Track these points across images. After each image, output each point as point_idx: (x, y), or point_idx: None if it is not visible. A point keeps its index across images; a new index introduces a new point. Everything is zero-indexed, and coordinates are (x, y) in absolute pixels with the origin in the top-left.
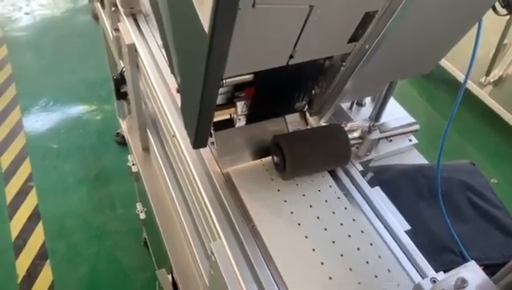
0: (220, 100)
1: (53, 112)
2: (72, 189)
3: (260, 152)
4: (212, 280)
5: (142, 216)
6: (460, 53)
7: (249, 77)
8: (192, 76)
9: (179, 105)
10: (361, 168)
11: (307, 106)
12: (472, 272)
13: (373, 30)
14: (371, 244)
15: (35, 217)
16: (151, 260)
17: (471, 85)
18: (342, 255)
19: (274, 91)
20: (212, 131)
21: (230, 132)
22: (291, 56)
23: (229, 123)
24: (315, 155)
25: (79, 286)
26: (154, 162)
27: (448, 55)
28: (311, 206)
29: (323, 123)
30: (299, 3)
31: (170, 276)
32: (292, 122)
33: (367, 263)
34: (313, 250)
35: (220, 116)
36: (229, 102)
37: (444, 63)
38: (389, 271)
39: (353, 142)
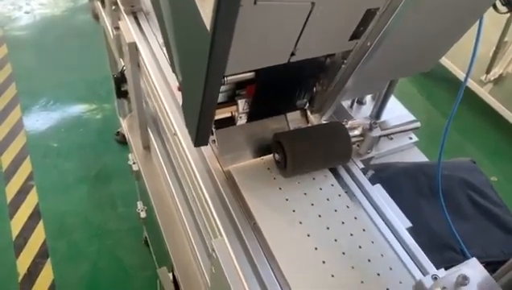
0: (221, 98)
1: (53, 111)
2: (73, 188)
3: (261, 150)
4: (213, 278)
5: (143, 214)
6: (460, 51)
7: (250, 75)
8: (193, 74)
9: (181, 103)
10: (362, 166)
11: (308, 104)
12: (473, 269)
13: (375, 27)
14: (373, 242)
15: (35, 216)
16: (152, 259)
17: (471, 83)
18: (344, 254)
19: (276, 89)
20: (214, 129)
21: (231, 130)
22: (293, 54)
23: (230, 121)
24: (316, 152)
25: (79, 284)
26: (154, 160)
27: (448, 53)
28: (312, 204)
29: (324, 121)
30: (300, 0)
31: (171, 274)
32: (293, 119)
33: (369, 261)
34: (315, 248)
35: (221, 114)
36: (230, 100)
37: (444, 61)
38: (391, 268)
39: (353, 139)
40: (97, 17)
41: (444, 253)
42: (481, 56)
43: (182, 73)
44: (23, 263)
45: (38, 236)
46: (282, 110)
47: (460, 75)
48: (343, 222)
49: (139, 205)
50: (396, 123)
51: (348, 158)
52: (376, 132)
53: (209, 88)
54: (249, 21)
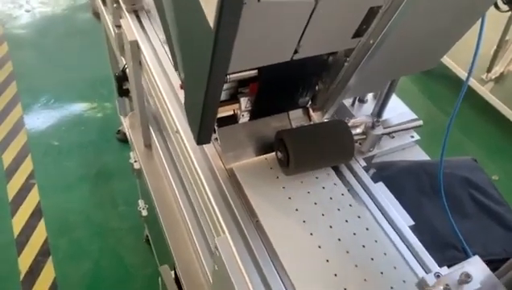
0: (223, 96)
1: (54, 109)
2: (74, 186)
3: (263, 148)
4: (216, 276)
5: (144, 213)
6: (461, 49)
7: (253, 73)
8: (196, 72)
9: (183, 101)
10: (364, 164)
11: (310, 102)
12: (475, 267)
13: (378, 25)
14: (376, 241)
15: (37, 214)
16: (153, 257)
17: (472, 82)
18: (347, 252)
19: (278, 87)
20: (216, 127)
21: (233, 128)
22: (296, 51)
23: (232, 119)
24: (318, 150)
25: (81, 282)
26: (156, 158)
27: (449, 51)
28: (315, 203)
29: (325, 119)
30: None
31: (173, 272)
32: (295, 118)
33: (372, 259)
34: (319, 247)
35: (223, 112)
36: (233, 98)
37: (445, 59)
38: (394, 267)
39: (356, 138)
40: (97, 15)
41: (446, 251)
42: (482, 55)
43: (184, 71)
44: (25, 261)
45: (39, 234)
46: (285, 108)
47: (461, 73)
48: (346, 221)
49: (140, 203)
50: (398, 121)
51: (350, 156)
52: (378, 130)
53: (212, 86)
54: (252, 18)
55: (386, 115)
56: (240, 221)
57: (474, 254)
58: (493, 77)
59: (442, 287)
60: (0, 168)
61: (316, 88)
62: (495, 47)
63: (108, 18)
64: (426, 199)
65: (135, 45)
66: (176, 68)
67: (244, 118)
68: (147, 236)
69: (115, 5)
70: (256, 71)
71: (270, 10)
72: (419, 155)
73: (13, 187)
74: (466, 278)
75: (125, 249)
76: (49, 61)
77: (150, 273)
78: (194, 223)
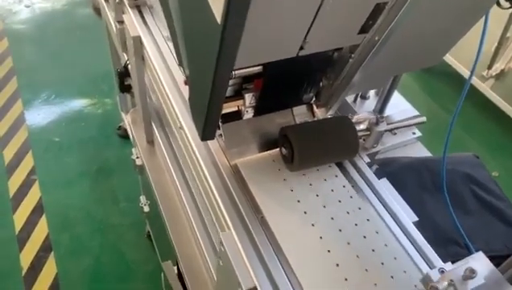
0: (228, 92)
1: (55, 105)
2: (75, 182)
3: (267, 144)
4: (220, 271)
5: (146, 209)
6: (462, 46)
7: (258, 69)
8: (201, 68)
9: (187, 97)
10: (368, 160)
11: (314, 98)
12: (479, 263)
13: (383, 21)
14: (377, 232)
15: (38, 210)
16: (154, 253)
17: (473, 79)
18: (349, 243)
19: (283, 83)
20: (220, 123)
21: (238, 124)
22: (302, 47)
23: (236, 115)
24: (323, 146)
25: (82, 278)
26: (159, 154)
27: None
28: (317, 195)
29: (329, 115)
30: None
31: (175, 268)
32: (299, 114)
33: (373, 251)
34: (320, 238)
35: (227, 108)
36: (237, 94)
37: (446, 56)
38: (395, 258)
39: (359, 134)
40: (97, 11)
41: (448, 247)
42: (482, 52)
43: (189, 67)
44: (27, 256)
45: (41, 230)
46: (289, 104)
47: (462, 70)
48: (347, 212)
49: (142, 199)
50: (400, 118)
51: (355, 152)
52: (382, 126)
53: (218, 81)
54: (259, 14)
55: (388, 112)
56: (244, 217)
57: (476, 250)
58: (494, 74)
59: (446, 283)
60: (1, 164)
61: (320, 84)
62: (496, 44)
63: (109, 14)
64: (428, 195)
65: (138, 41)
66: (180, 64)
67: (248, 114)
68: (149, 232)
69: (117, 0)
70: (261, 67)
71: (277, 6)
72: (421, 152)
73: (14, 183)
74: (471, 273)
75: (127, 245)
76: (49, 57)
77: (151, 269)
78: (197, 219)
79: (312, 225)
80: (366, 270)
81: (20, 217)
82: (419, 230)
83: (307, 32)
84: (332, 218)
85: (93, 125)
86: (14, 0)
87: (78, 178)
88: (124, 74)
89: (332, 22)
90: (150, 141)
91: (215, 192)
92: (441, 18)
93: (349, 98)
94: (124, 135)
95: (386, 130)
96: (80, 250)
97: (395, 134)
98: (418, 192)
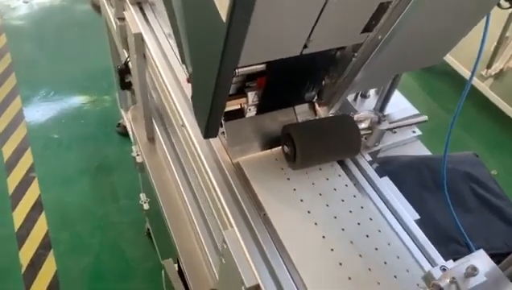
0: (231, 90)
1: (54, 102)
2: (75, 180)
3: (270, 142)
4: (222, 269)
5: (146, 206)
6: (461, 45)
7: (261, 67)
8: (205, 66)
9: (189, 94)
10: (369, 159)
11: (316, 97)
12: (480, 260)
13: (387, 20)
14: (379, 231)
15: (37, 208)
16: (154, 251)
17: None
18: (352, 242)
19: (286, 81)
20: (223, 121)
21: (240, 122)
22: (305, 46)
23: (238, 113)
24: (325, 145)
25: (82, 276)
26: (159, 152)
27: None
28: (320, 194)
29: (331, 114)
30: None
31: (176, 266)
32: (301, 112)
33: (376, 249)
34: (323, 237)
35: (230, 106)
36: (240, 92)
37: (446, 56)
38: (398, 257)
39: (361, 132)
40: (95, 7)
41: (448, 245)
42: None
43: (193, 65)
44: (26, 254)
45: (40, 227)
46: (291, 103)
47: (461, 69)
48: (350, 211)
49: (142, 196)
50: (400, 117)
51: (357, 151)
52: (384, 125)
53: (222, 79)
54: (264, 12)
55: (388, 110)
56: (247, 215)
57: (476, 248)
58: (493, 74)
59: (448, 281)
60: (0, 161)
61: (323, 83)
62: (495, 43)
63: (109, 11)
64: (428, 193)
65: (139, 38)
66: (183, 62)
67: (251, 112)
68: (148, 230)
69: None
70: (264, 65)
71: (282, 4)
72: (421, 150)
73: (13, 180)
74: (473, 271)
75: (126, 242)
76: (48, 53)
77: (151, 266)
78: (198, 216)
79: (315, 224)
80: (369, 269)
81: (19, 215)
82: (419, 228)
83: (311, 31)
84: (335, 217)
85: (93, 122)
86: None
87: (77, 175)
88: (124, 71)
89: (336, 21)
90: (151, 138)
91: (217, 189)
92: (444, 17)
93: (350, 97)
94: (123, 132)
95: (387, 129)
96: (79, 248)
97: (395, 132)
98: (418, 191)
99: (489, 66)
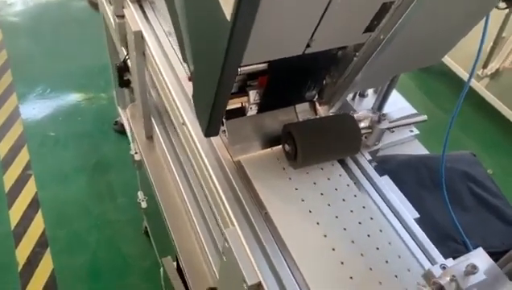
0: (232, 88)
1: (50, 99)
2: (71, 177)
3: (270, 141)
4: (223, 267)
5: (144, 204)
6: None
7: (263, 66)
8: (208, 64)
9: (190, 93)
10: (369, 157)
11: (317, 96)
12: (479, 259)
13: (389, 20)
14: (381, 231)
15: (34, 205)
16: (151, 249)
17: (467, 77)
18: (353, 242)
19: (287, 80)
20: (224, 120)
21: (241, 121)
22: (308, 45)
23: (239, 112)
24: (326, 144)
25: (79, 274)
26: (158, 150)
27: None
28: (321, 194)
29: (331, 113)
30: None
31: (175, 263)
32: (302, 111)
33: (377, 249)
34: (325, 236)
35: (231, 104)
36: (241, 91)
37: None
38: (399, 256)
39: (361, 131)
40: (92, 3)
41: (446, 243)
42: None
43: (194, 63)
44: (23, 252)
45: (37, 225)
46: (292, 102)
47: (458, 69)
48: (351, 211)
49: (140, 195)
50: (399, 116)
51: (357, 150)
52: (384, 124)
53: (225, 78)
54: (268, 12)
55: (386, 109)
56: (249, 213)
57: (474, 247)
58: (489, 73)
59: (449, 279)
60: None
61: (324, 82)
62: (491, 43)
63: (108, 8)
64: (426, 192)
65: (139, 36)
66: (185, 60)
67: (252, 110)
68: (146, 228)
69: None
70: (266, 64)
71: (286, 4)
72: (418, 150)
73: (9, 178)
74: (473, 269)
75: (124, 240)
76: (44, 50)
77: (148, 265)
78: (198, 214)
79: (317, 223)
80: (371, 268)
81: (16, 213)
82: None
83: (315, 30)
84: (337, 217)
85: (90, 119)
86: None
87: (74, 173)
88: (123, 69)
89: (339, 20)
90: (150, 136)
91: (219, 188)
92: (445, 18)
93: (348, 96)
94: (120, 130)
95: (388, 128)
96: (76, 246)
97: (393, 131)
98: (416, 189)
99: (485, 66)
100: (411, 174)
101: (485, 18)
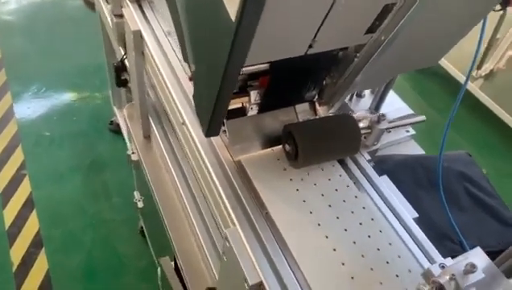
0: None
1: (45, 98)
2: (66, 177)
3: (271, 141)
4: (224, 267)
5: (140, 204)
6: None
7: (264, 66)
8: (210, 65)
9: (190, 93)
10: (368, 157)
11: (317, 96)
12: (477, 258)
13: (390, 22)
14: (381, 231)
15: (29, 205)
16: (147, 248)
17: (462, 78)
18: (354, 243)
19: (288, 80)
20: (224, 120)
21: (242, 121)
22: (310, 46)
23: (240, 112)
24: (327, 144)
25: (74, 274)
26: (156, 150)
27: None
28: (322, 195)
29: (330, 113)
30: None
31: (173, 263)
32: (301, 111)
33: (378, 249)
34: (326, 237)
35: (232, 105)
36: (242, 91)
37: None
38: (399, 257)
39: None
40: (87, 2)
41: (443, 243)
42: (472, 52)
43: (196, 63)
44: (17, 252)
45: (32, 225)
46: (292, 102)
47: (452, 70)
48: (352, 212)
49: (136, 194)
50: (395, 116)
51: (356, 150)
52: (384, 124)
53: (228, 78)
54: (272, 13)
55: (383, 110)
56: (249, 213)
57: (470, 247)
58: (483, 74)
59: (448, 277)
60: None
61: (324, 82)
62: (485, 44)
63: (104, 7)
64: (422, 192)
65: (138, 35)
66: (185, 60)
67: (253, 110)
68: (142, 227)
69: None
70: (267, 64)
71: (291, 4)
72: (415, 150)
73: (3, 177)
74: (472, 268)
75: (119, 240)
76: (39, 48)
77: (144, 265)
78: (196, 214)
79: (318, 224)
80: (371, 269)
81: (10, 212)
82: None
83: (317, 31)
84: (338, 218)
85: (85, 119)
86: None
87: (69, 173)
88: (120, 68)
89: (342, 21)
90: (147, 136)
91: (219, 188)
92: (446, 19)
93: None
94: (116, 130)
95: (387, 129)
96: (71, 246)
97: (390, 132)
98: (413, 189)
99: (479, 67)
100: (408, 174)
101: (482, 20)
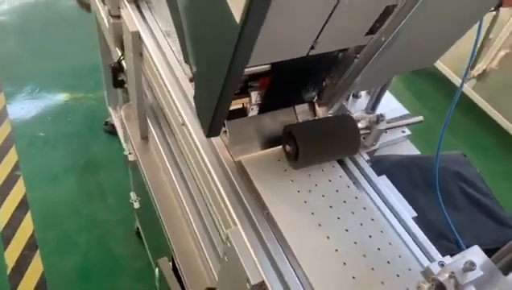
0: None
1: (39, 99)
2: (61, 178)
3: (271, 141)
4: (224, 267)
5: (136, 205)
6: None
7: (266, 67)
8: (212, 66)
9: (190, 94)
10: (367, 158)
11: (316, 97)
12: (475, 255)
13: (391, 23)
14: (381, 231)
15: (23, 207)
16: (143, 249)
17: (456, 79)
18: (355, 243)
19: (288, 81)
20: (225, 120)
21: (242, 121)
22: (312, 47)
23: (240, 112)
24: (326, 144)
25: (69, 276)
26: (153, 150)
27: None
28: (323, 196)
29: (329, 114)
30: None
31: (171, 264)
32: (301, 112)
33: (379, 249)
34: (327, 237)
35: (232, 105)
36: (242, 92)
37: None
38: (399, 256)
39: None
40: (81, 3)
41: (439, 242)
42: (465, 52)
43: (198, 64)
44: (12, 254)
45: (26, 227)
46: (292, 103)
47: (445, 70)
48: (353, 213)
49: (132, 195)
50: (392, 116)
51: (356, 150)
52: (383, 125)
53: (230, 80)
54: (276, 16)
55: (379, 110)
56: (251, 213)
57: (465, 246)
58: (476, 74)
59: (447, 275)
60: None
61: (323, 83)
62: (479, 45)
63: (101, 8)
64: (418, 192)
65: (137, 36)
66: (186, 61)
67: (253, 111)
68: (138, 228)
69: None
70: (269, 66)
71: (294, 6)
72: (410, 150)
73: None
74: (471, 266)
75: (114, 241)
76: (33, 49)
77: (140, 266)
78: (195, 215)
79: (319, 225)
80: (373, 269)
81: (4, 214)
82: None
83: (319, 33)
84: (339, 218)
85: (79, 120)
86: None
87: (64, 174)
88: (118, 69)
89: (344, 23)
90: (145, 137)
91: (220, 188)
92: (445, 20)
93: None
94: (111, 131)
95: (386, 129)
96: (66, 247)
97: (386, 132)
98: (409, 189)
99: (472, 67)
100: (404, 174)
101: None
